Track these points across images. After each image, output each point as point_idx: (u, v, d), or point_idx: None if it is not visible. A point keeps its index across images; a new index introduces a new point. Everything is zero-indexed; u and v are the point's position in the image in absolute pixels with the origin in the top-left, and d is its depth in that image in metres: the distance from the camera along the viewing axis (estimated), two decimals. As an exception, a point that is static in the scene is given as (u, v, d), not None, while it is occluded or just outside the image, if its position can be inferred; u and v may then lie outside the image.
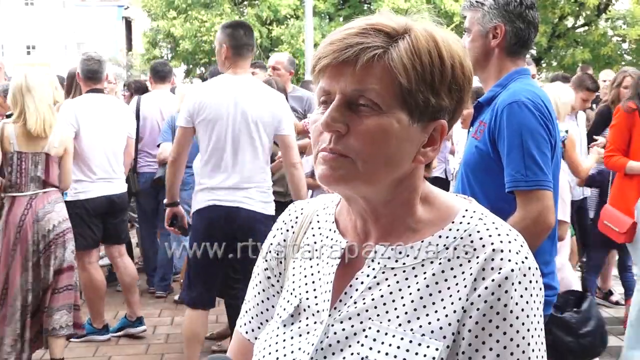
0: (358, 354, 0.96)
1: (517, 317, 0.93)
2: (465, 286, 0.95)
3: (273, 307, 1.14)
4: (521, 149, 2.08)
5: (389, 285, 0.99)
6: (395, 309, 0.97)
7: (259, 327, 1.16)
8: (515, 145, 2.09)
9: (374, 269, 1.01)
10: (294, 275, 1.11)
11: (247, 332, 1.18)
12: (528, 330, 0.94)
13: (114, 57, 30.90)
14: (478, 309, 0.93)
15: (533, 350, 0.94)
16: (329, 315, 1.01)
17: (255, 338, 1.13)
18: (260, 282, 1.18)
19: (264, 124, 3.57)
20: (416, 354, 0.94)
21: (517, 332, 0.93)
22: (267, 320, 1.15)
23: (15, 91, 3.86)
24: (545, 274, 2.19)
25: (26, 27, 41.28)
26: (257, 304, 1.17)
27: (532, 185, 2.07)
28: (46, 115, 3.86)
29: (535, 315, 0.95)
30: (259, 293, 1.17)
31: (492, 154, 2.17)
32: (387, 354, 0.95)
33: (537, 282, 0.97)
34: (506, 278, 0.93)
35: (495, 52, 2.27)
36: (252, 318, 1.18)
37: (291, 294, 1.09)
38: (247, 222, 3.53)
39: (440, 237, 1.00)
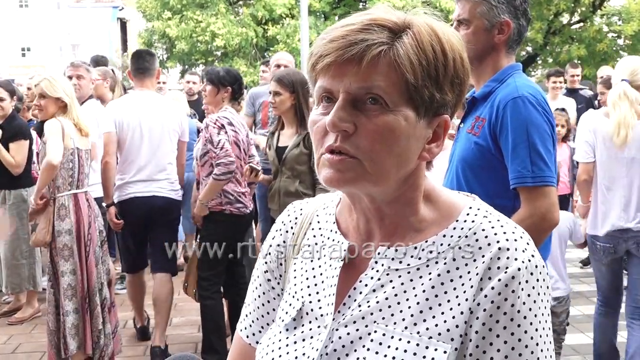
0: (364, 358, 0.94)
1: (524, 317, 0.91)
2: (472, 286, 0.93)
3: (274, 310, 1.12)
4: (527, 144, 2.06)
5: (393, 287, 0.97)
6: (401, 311, 0.95)
7: (259, 331, 1.14)
8: (521, 141, 2.07)
9: (377, 270, 0.99)
10: (295, 277, 1.08)
11: (247, 336, 1.16)
12: (536, 330, 0.92)
13: (109, 58, 30.82)
14: (485, 310, 0.91)
15: (542, 351, 0.92)
16: (333, 319, 0.99)
17: (257, 342, 1.11)
18: (260, 284, 1.15)
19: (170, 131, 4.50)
20: (424, 357, 0.92)
21: (525, 332, 0.91)
22: (267, 324, 1.13)
23: (66, 87, 3.92)
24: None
25: (21, 29, 41.16)
26: (258, 307, 1.15)
27: (539, 182, 2.06)
28: (81, 112, 4.02)
29: (543, 315, 0.93)
30: (259, 296, 1.15)
31: (493, 150, 2.15)
32: (394, 358, 0.93)
33: (544, 280, 0.95)
34: (513, 277, 0.91)
35: (497, 48, 2.24)
36: (253, 322, 1.16)
37: (293, 297, 1.07)
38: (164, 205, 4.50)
39: (444, 236, 0.98)
